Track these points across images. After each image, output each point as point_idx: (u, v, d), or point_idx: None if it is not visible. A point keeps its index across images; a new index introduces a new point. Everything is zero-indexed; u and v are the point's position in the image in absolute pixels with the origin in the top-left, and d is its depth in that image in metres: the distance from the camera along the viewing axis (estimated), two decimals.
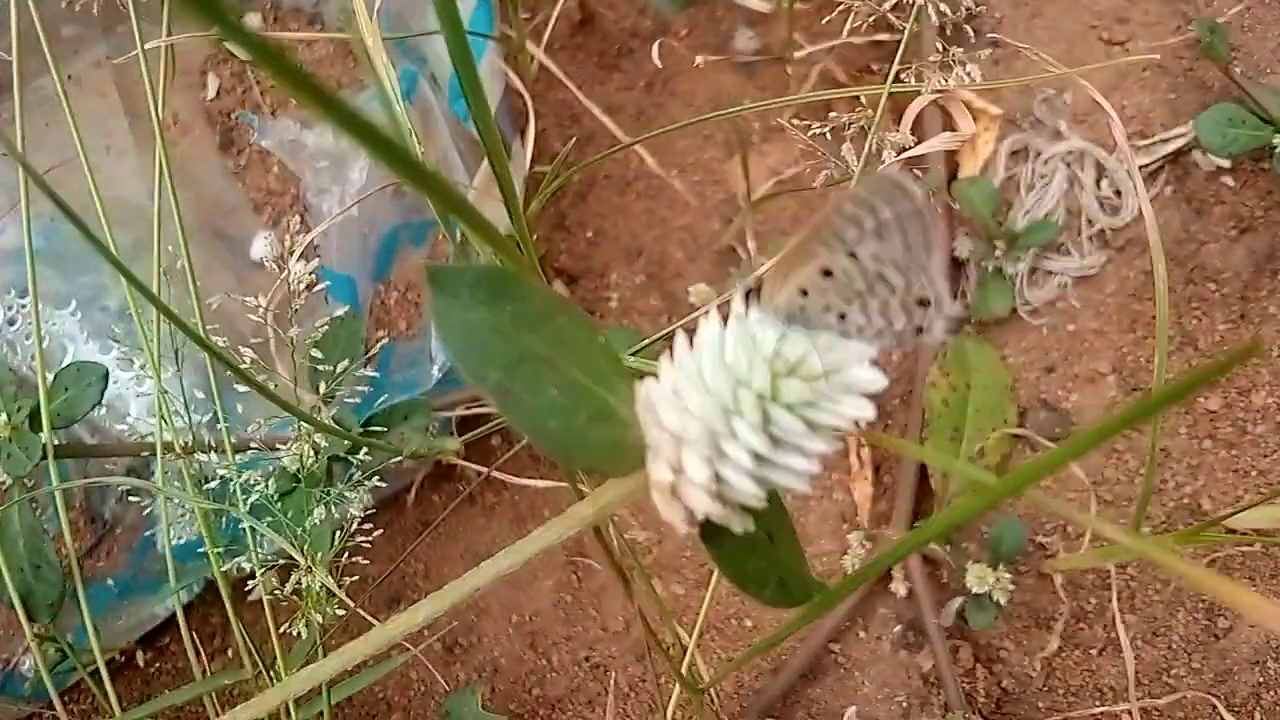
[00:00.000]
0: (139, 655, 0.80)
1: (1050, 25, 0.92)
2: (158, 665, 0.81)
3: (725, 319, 0.34)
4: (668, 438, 0.33)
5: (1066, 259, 0.84)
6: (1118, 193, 0.86)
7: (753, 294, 0.34)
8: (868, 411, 0.32)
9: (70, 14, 0.75)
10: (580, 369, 0.33)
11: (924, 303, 0.32)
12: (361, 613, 0.54)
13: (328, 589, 0.53)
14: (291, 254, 0.49)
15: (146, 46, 0.66)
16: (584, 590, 0.82)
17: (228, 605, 0.64)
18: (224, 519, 0.67)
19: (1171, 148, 0.87)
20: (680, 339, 0.34)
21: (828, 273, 0.34)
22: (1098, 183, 0.86)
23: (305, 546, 0.55)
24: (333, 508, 0.55)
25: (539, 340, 0.32)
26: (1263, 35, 0.90)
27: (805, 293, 0.35)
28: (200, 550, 0.75)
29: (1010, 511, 0.79)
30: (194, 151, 0.87)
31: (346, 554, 0.56)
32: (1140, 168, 0.86)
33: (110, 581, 0.79)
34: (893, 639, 0.78)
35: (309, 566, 0.52)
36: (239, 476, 0.62)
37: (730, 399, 0.32)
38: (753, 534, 0.35)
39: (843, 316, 0.32)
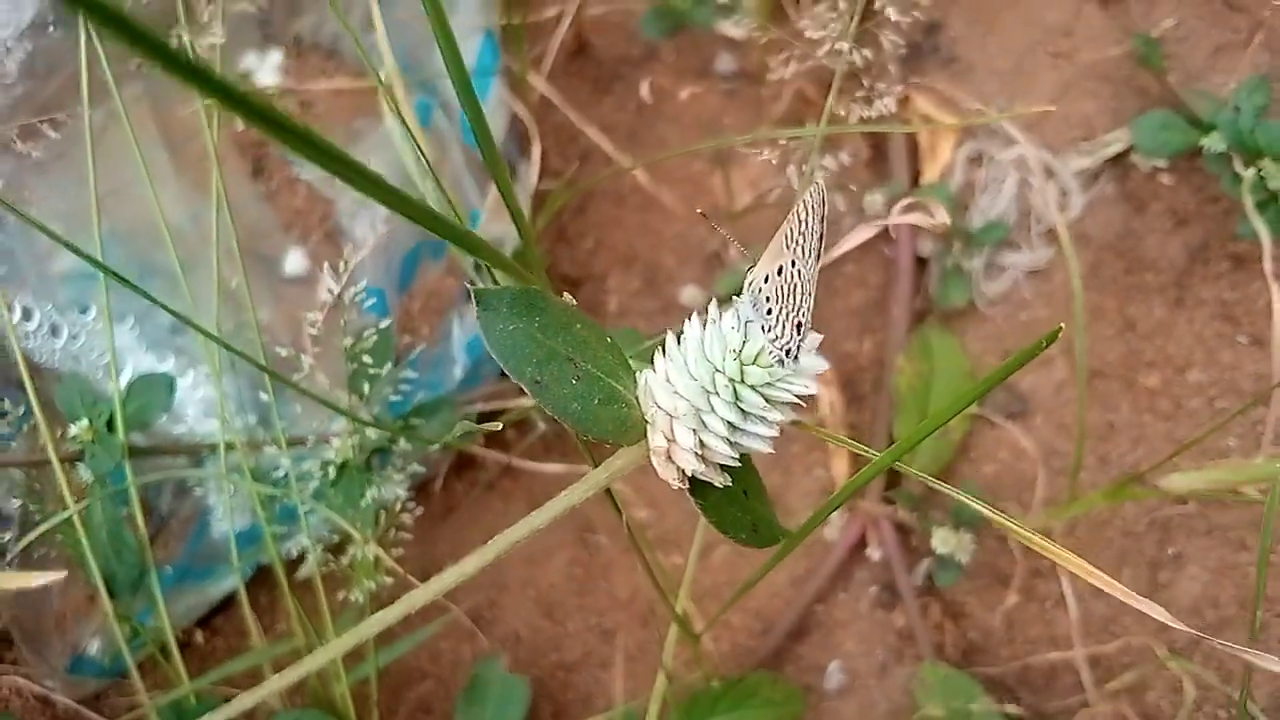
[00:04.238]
0: (197, 636, 0.90)
1: (1002, 41, 1.01)
2: (213, 644, 0.90)
3: (705, 322, 0.43)
4: (662, 414, 0.42)
5: (1018, 254, 0.93)
6: (1064, 193, 0.95)
7: (750, 271, 0.42)
8: (813, 389, 0.41)
9: (112, 54, 0.84)
10: (594, 364, 0.42)
11: (799, 327, 0.41)
12: (410, 578, 0.63)
13: (377, 559, 0.62)
14: (344, 275, 0.58)
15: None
16: (594, 564, 0.91)
17: (282, 579, 0.73)
18: (276, 507, 0.76)
19: (1113, 150, 0.96)
20: (670, 337, 0.43)
21: (780, 270, 0.43)
22: (1046, 184, 0.95)
23: (357, 525, 0.64)
24: (380, 490, 0.64)
25: (562, 343, 0.42)
26: (1196, 44, 0.99)
27: (767, 279, 0.44)
28: (252, 537, 0.84)
29: (972, 481, 0.88)
30: (228, 179, 0.96)
31: (393, 530, 0.65)
32: (1084, 169, 0.96)
33: (169, 569, 0.88)
34: (870, 599, 0.87)
35: (364, 540, 0.61)
36: (296, 468, 0.72)
37: (710, 382, 0.41)
38: (731, 489, 0.45)
39: (769, 312, 0.41)
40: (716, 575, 0.90)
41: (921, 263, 0.94)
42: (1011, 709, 0.82)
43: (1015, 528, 0.48)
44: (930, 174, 0.95)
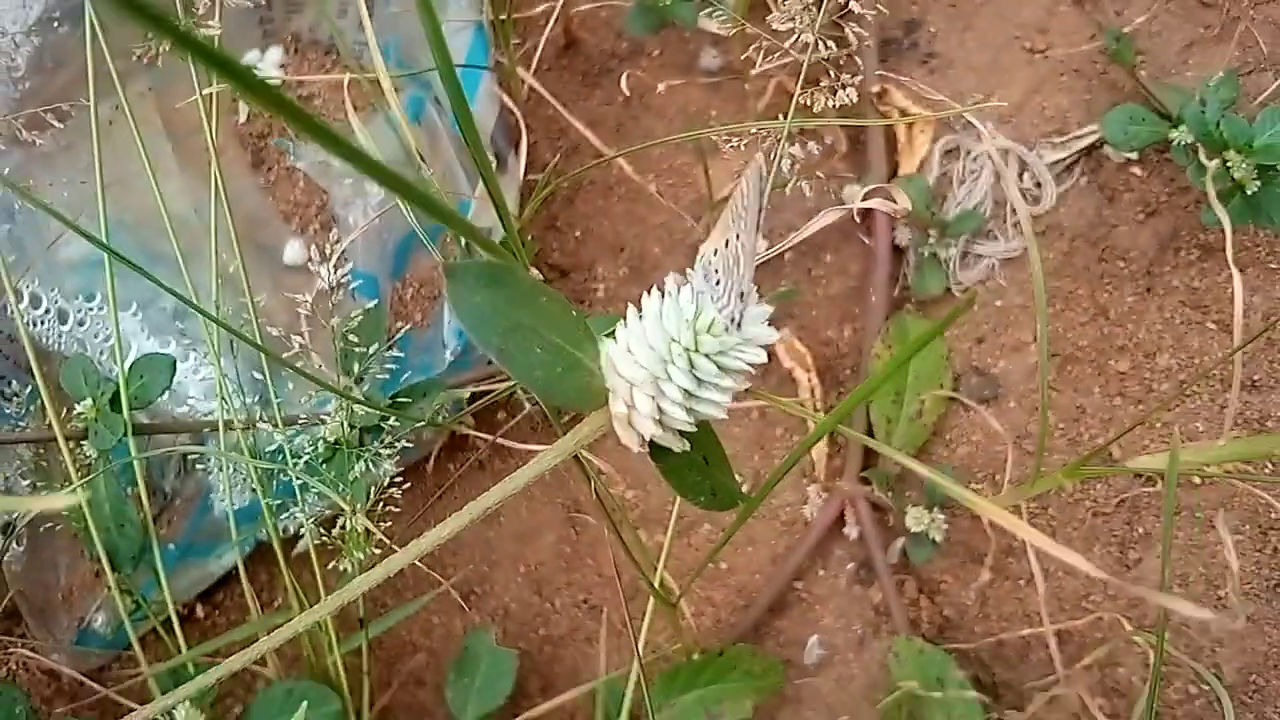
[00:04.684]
0: (198, 610, 0.93)
1: (979, 37, 1.04)
2: (214, 618, 0.94)
3: (664, 295, 0.46)
4: (623, 382, 0.45)
5: (993, 243, 0.96)
6: (1038, 184, 0.98)
7: (703, 246, 0.45)
8: (763, 357, 0.44)
9: (117, 50, 0.87)
10: (558, 335, 0.45)
11: (742, 296, 0.43)
12: (398, 549, 0.66)
13: (367, 531, 0.65)
14: (331, 259, 0.61)
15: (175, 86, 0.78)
16: (581, 543, 0.94)
17: (278, 551, 0.77)
18: (274, 484, 0.79)
19: (1085, 143, 0.99)
20: (632, 311, 0.46)
21: (727, 243, 0.45)
22: (1020, 176, 0.98)
23: (348, 498, 0.68)
24: (369, 465, 0.68)
25: (527, 314, 0.45)
26: (1168, 40, 1.02)
27: (716, 253, 0.46)
28: (251, 515, 0.87)
29: (946, 462, 0.91)
30: (229, 170, 0.99)
31: (381, 504, 0.69)
32: (1057, 161, 0.98)
33: (171, 546, 0.91)
34: (847, 576, 0.90)
35: (353, 511, 0.64)
36: (290, 444, 0.75)
37: (667, 351, 0.44)
38: (691, 455, 0.48)
39: (718, 283, 0.44)
40: (700, 554, 0.93)
41: (900, 252, 0.97)
42: (984, 682, 0.85)
43: (977, 501, 0.51)
44: (907, 167, 0.98)
